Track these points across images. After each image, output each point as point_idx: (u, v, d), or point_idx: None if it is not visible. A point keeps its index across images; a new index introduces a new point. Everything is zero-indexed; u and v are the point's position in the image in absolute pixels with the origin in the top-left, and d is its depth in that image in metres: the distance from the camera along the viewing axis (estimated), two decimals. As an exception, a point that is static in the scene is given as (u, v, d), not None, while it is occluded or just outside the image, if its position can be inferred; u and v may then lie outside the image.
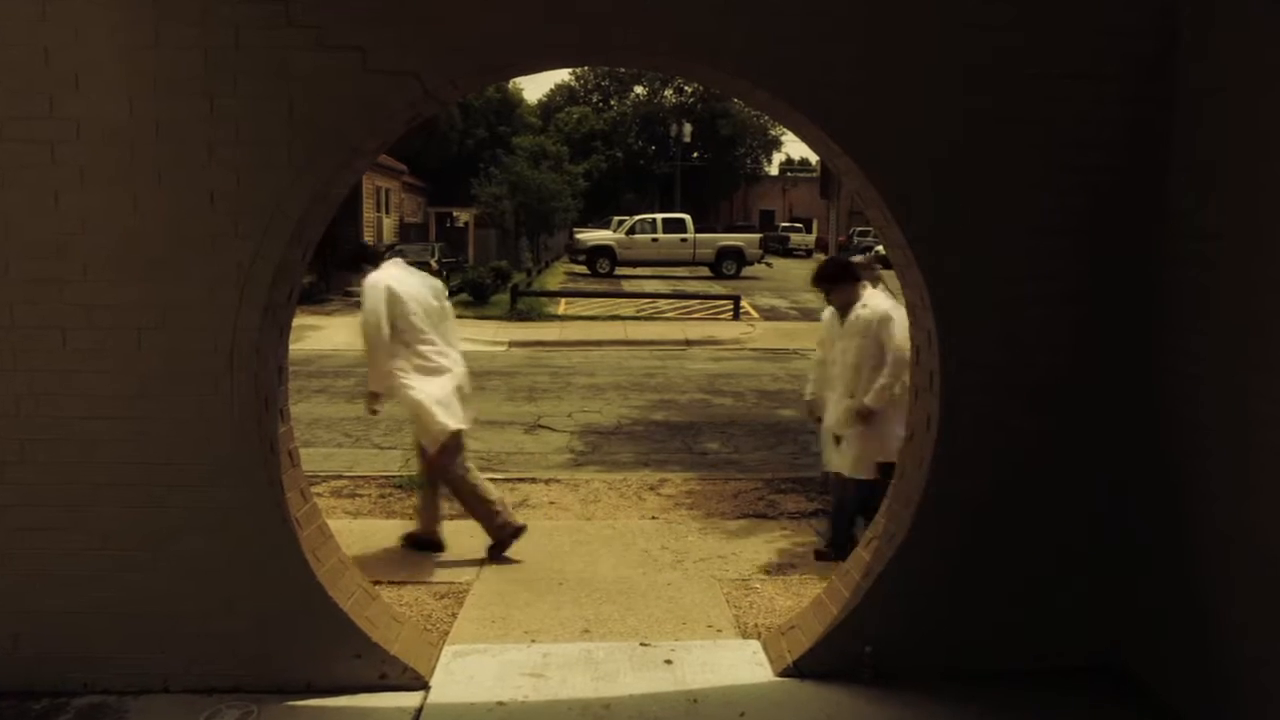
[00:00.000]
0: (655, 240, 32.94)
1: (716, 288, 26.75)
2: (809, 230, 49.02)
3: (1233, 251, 3.58)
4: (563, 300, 23.01)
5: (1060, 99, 3.86)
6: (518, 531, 5.70)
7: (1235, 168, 3.58)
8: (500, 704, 3.93)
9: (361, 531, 6.21)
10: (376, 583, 5.00)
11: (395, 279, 5.62)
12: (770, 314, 21.67)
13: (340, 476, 7.38)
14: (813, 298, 8.38)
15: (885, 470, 5.69)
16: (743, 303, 21.45)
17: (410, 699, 3.93)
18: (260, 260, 3.72)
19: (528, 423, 10.18)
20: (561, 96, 55.11)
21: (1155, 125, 3.91)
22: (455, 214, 36.93)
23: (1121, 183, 3.94)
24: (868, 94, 3.82)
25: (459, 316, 6.13)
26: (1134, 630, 4.13)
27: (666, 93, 55.02)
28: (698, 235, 33.43)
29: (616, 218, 36.27)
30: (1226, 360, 3.60)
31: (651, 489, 7.29)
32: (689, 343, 17.19)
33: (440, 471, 5.66)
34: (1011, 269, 3.94)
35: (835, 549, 5.63)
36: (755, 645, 4.52)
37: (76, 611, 3.87)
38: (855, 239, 42.38)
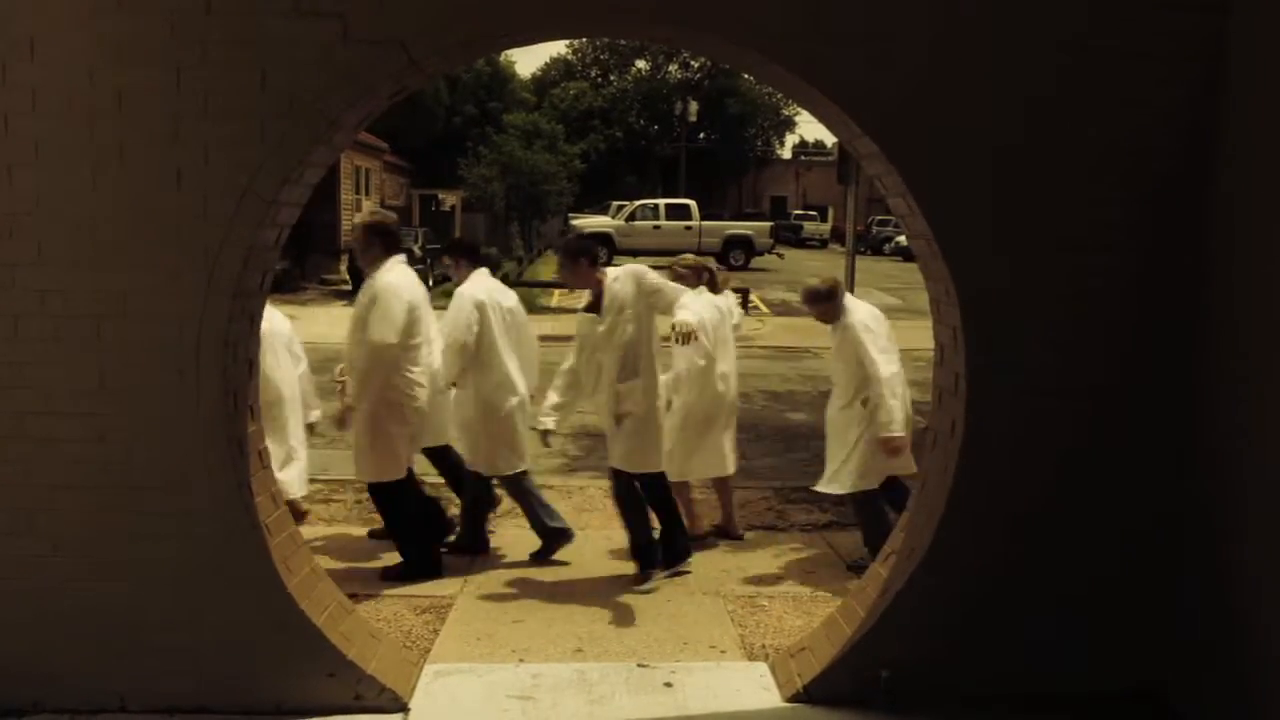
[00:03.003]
0: (657, 228, 32.93)
1: (723, 280, 26.70)
2: (824, 218, 48.89)
3: (1267, 242, 3.59)
4: (556, 292, 22.96)
5: (1107, 81, 3.84)
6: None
7: (1268, 154, 3.59)
8: (486, 728, 3.94)
9: (336, 540, 6.22)
10: (352, 596, 5.00)
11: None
12: (782, 309, 21.68)
13: (314, 480, 7.37)
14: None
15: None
16: (752, 296, 21.42)
17: (388, 722, 3.94)
18: (230, 244, 3.72)
19: (517, 424, 10.14)
20: (557, 71, 54.94)
21: (1209, 110, 3.89)
22: (441, 197, 36.93)
23: (1173, 172, 3.93)
24: (895, 71, 3.81)
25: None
26: (1171, 655, 4.13)
27: (671, 68, 54.97)
28: (703, 223, 33.42)
29: (615, 203, 36.24)
30: (1268, 360, 3.61)
31: (651, 497, 7.27)
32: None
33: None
34: (1049, 262, 3.94)
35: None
36: (762, 667, 4.53)
37: (26, 624, 3.87)
38: (874, 228, 42.41)
